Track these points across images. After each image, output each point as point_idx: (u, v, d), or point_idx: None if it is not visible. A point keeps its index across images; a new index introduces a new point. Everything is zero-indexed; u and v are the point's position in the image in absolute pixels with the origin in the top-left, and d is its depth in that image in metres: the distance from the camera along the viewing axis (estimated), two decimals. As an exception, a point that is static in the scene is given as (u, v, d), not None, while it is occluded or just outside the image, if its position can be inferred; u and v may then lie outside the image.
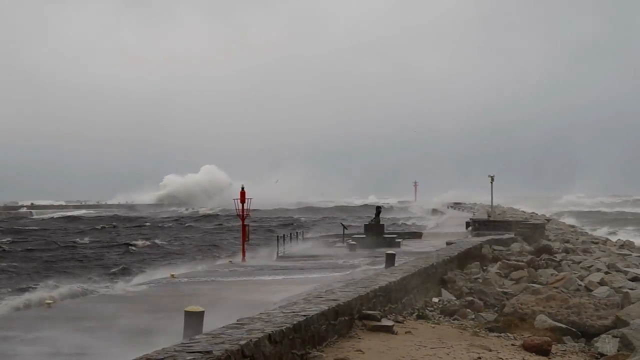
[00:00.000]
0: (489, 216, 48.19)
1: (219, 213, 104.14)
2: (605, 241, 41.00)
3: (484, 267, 21.32)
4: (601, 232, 57.48)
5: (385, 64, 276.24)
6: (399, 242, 35.50)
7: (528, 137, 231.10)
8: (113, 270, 34.20)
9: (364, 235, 37.56)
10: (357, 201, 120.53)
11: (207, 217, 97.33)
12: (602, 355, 10.58)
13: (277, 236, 37.74)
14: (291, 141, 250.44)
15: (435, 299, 15.56)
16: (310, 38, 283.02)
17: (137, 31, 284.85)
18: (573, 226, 58.07)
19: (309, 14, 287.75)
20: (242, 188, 34.98)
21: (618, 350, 10.34)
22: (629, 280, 20.48)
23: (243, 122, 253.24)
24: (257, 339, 7.22)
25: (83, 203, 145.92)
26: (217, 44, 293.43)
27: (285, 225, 70.44)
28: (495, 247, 26.99)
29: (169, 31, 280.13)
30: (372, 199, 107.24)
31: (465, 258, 21.30)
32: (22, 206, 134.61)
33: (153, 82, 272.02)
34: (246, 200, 34.70)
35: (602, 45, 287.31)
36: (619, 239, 45.35)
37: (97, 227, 74.49)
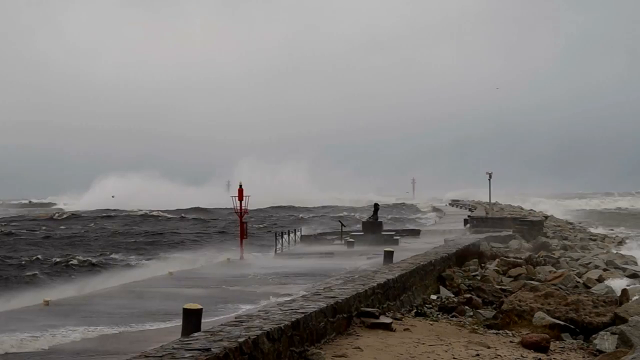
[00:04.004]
0: (487, 213, 48.18)
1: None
2: (604, 238, 41.05)
3: (482, 264, 21.32)
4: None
5: (391, 59, 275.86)
6: (397, 239, 35.51)
7: (533, 134, 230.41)
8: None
9: (362, 233, 37.53)
10: (354, 197, 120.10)
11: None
12: (600, 352, 10.58)
13: (275, 233, 37.75)
14: (294, 136, 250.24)
15: (434, 296, 15.57)
16: (318, 33, 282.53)
17: (144, 24, 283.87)
18: (571, 223, 58.05)
19: (317, 8, 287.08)
20: (240, 186, 35.01)
21: (616, 347, 10.33)
22: (628, 277, 20.53)
23: (247, 117, 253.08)
24: (255, 337, 7.21)
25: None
26: (225, 37, 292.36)
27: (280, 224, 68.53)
28: (494, 244, 27.02)
29: (177, 24, 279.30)
30: (370, 197, 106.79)
31: (463, 255, 21.31)
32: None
33: (161, 76, 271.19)
34: (244, 198, 34.69)
35: (607, 38, 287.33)
36: (616, 236, 45.32)
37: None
